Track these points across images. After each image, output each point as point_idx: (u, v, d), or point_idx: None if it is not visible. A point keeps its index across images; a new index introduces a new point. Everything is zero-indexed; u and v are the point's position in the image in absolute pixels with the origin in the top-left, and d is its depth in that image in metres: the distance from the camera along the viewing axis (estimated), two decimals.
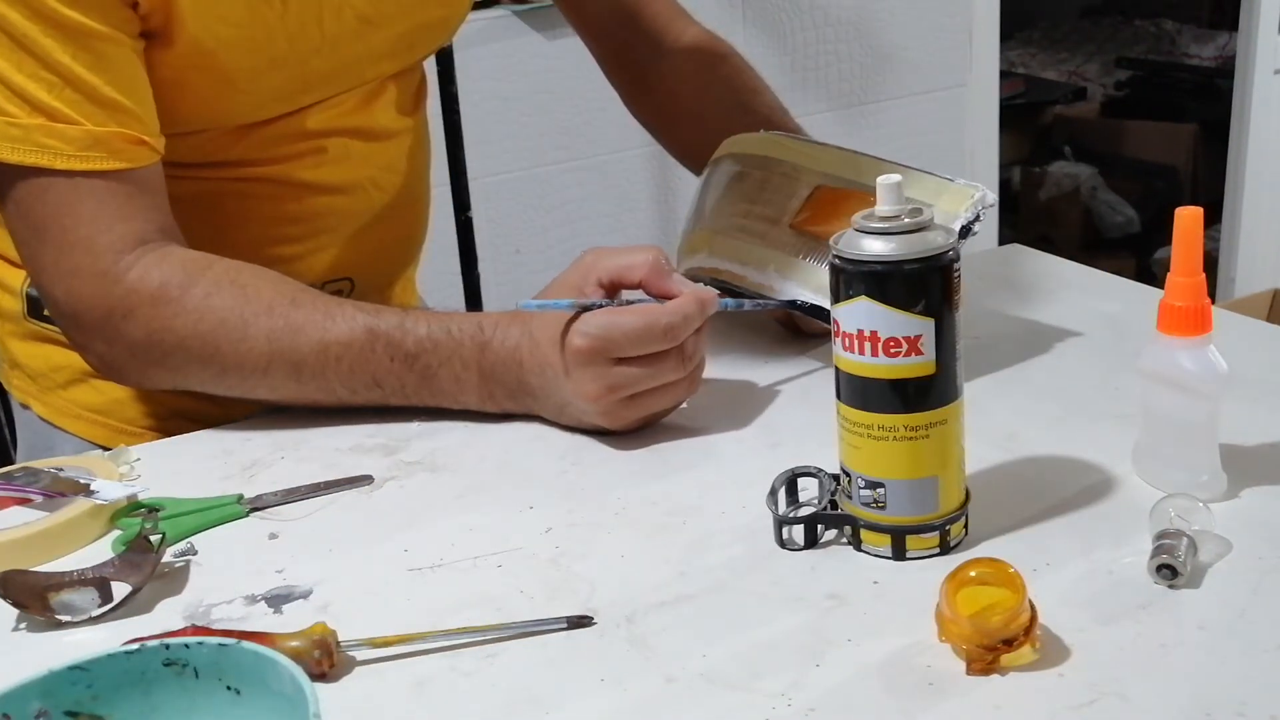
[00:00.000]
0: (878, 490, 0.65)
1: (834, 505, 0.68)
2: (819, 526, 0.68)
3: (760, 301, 0.90)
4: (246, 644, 0.49)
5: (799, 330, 0.95)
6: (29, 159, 0.80)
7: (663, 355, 0.79)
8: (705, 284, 0.99)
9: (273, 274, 0.86)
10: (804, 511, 0.69)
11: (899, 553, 0.66)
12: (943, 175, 0.89)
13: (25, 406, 1.02)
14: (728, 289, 0.97)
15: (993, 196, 0.87)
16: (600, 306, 0.79)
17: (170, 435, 0.90)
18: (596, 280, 0.80)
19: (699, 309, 0.79)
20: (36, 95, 0.79)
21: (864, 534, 0.67)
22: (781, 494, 0.70)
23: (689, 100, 1.12)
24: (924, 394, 0.64)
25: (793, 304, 0.89)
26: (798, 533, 0.68)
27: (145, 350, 0.84)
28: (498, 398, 0.84)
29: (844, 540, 0.68)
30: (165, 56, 0.84)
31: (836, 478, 0.68)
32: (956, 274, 0.63)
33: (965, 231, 0.85)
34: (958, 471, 0.67)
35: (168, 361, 0.85)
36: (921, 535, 0.66)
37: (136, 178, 0.84)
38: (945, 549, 0.66)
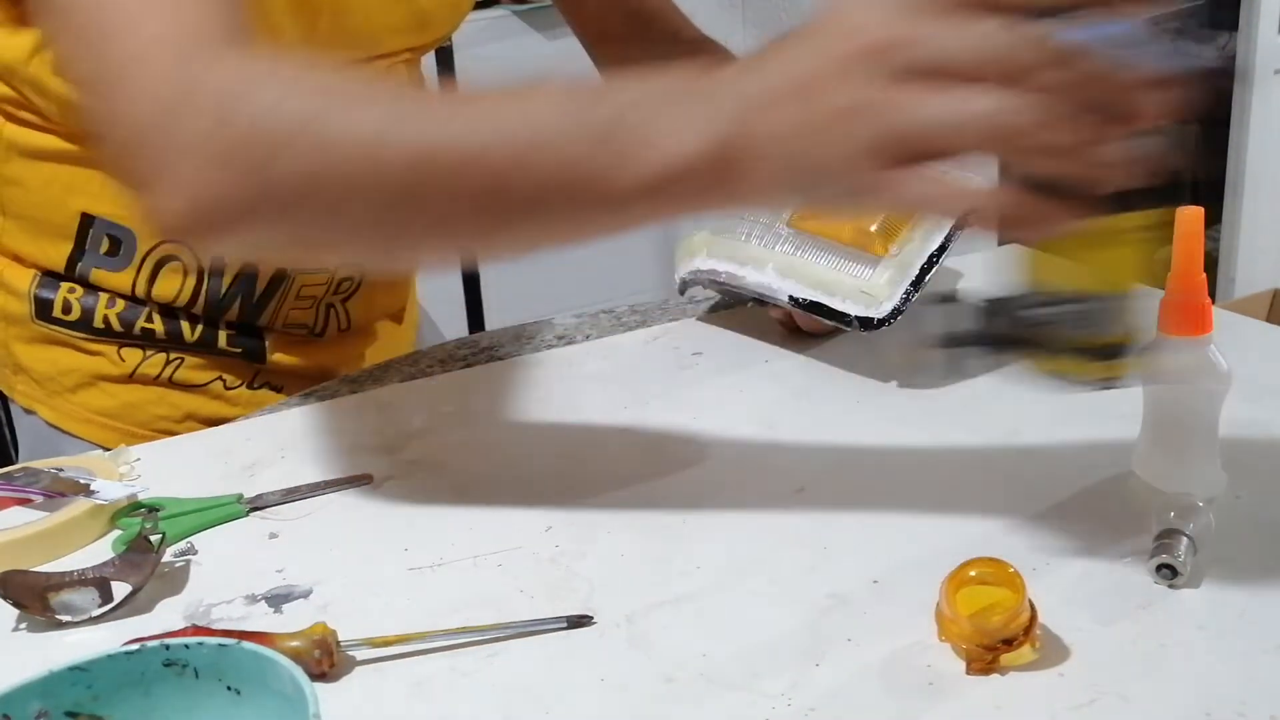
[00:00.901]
0: (1088, 305, 0.57)
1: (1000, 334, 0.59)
2: (993, 345, 0.61)
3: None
4: (246, 644, 0.49)
5: (799, 329, 0.95)
6: None
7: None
8: (708, 289, 0.99)
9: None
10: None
11: (1090, 374, 0.59)
12: (941, 169, 0.89)
13: (30, 412, 1.01)
14: (726, 290, 0.97)
15: None
16: None
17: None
18: None
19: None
20: None
21: (1049, 358, 0.59)
22: (946, 309, 0.63)
23: None
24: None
25: (795, 302, 0.89)
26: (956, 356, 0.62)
27: (211, 146, 0.61)
28: (698, 118, 0.54)
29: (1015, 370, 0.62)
30: None
31: (995, 301, 0.59)
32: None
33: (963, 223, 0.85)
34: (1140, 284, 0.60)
35: (243, 155, 0.60)
36: (1105, 360, 0.59)
37: None
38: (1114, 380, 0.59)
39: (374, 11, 0.94)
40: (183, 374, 0.98)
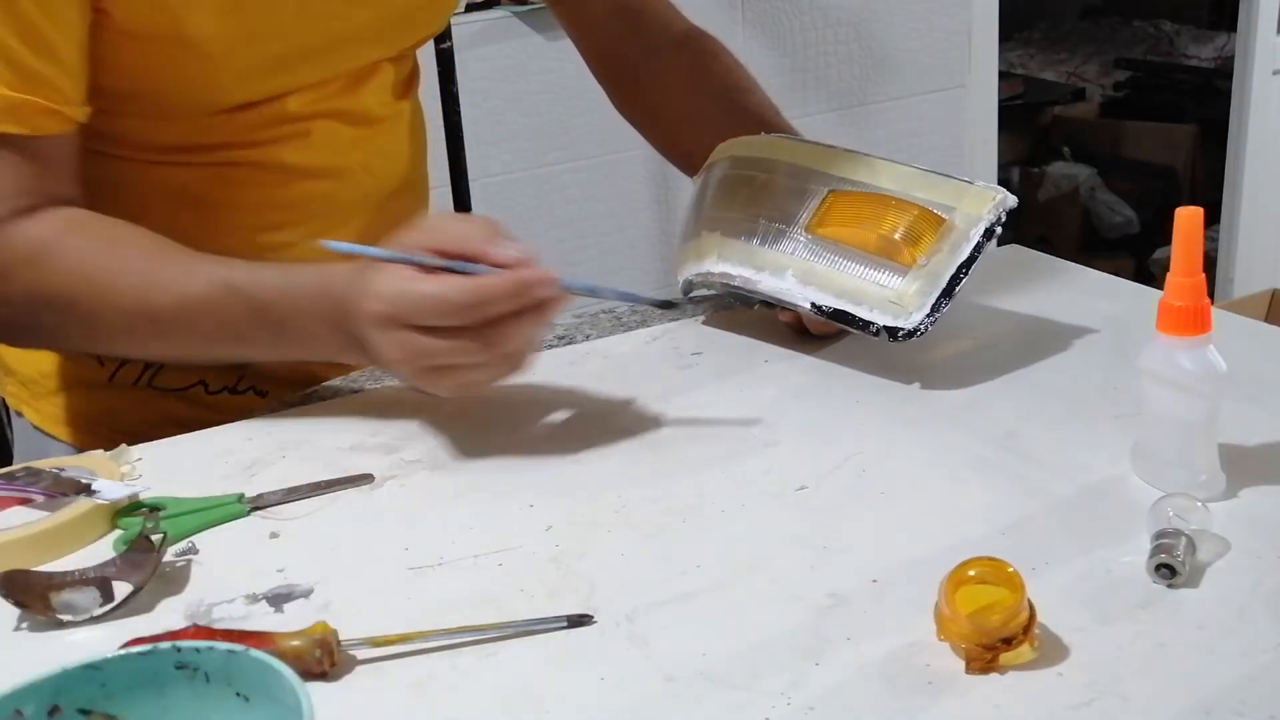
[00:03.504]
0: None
1: None
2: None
3: (626, 294, 0.85)
4: (253, 651, 0.49)
5: (805, 331, 0.95)
6: None
7: (460, 331, 0.73)
8: (715, 291, 0.99)
9: (150, 233, 0.85)
10: None
11: None
12: (961, 178, 0.88)
13: (19, 413, 1.01)
14: (739, 294, 0.96)
15: (1013, 199, 0.86)
16: (409, 262, 0.74)
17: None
18: (428, 246, 0.76)
19: (509, 291, 0.73)
20: None
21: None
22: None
23: (680, 98, 1.11)
24: None
25: (818, 310, 0.88)
26: None
27: (23, 309, 0.84)
28: (351, 350, 0.80)
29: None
30: (124, 22, 0.83)
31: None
32: None
33: (989, 234, 0.85)
34: None
35: (41, 320, 0.85)
36: None
37: (45, 151, 0.83)
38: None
39: (340, 20, 0.92)
40: (163, 379, 0.97)
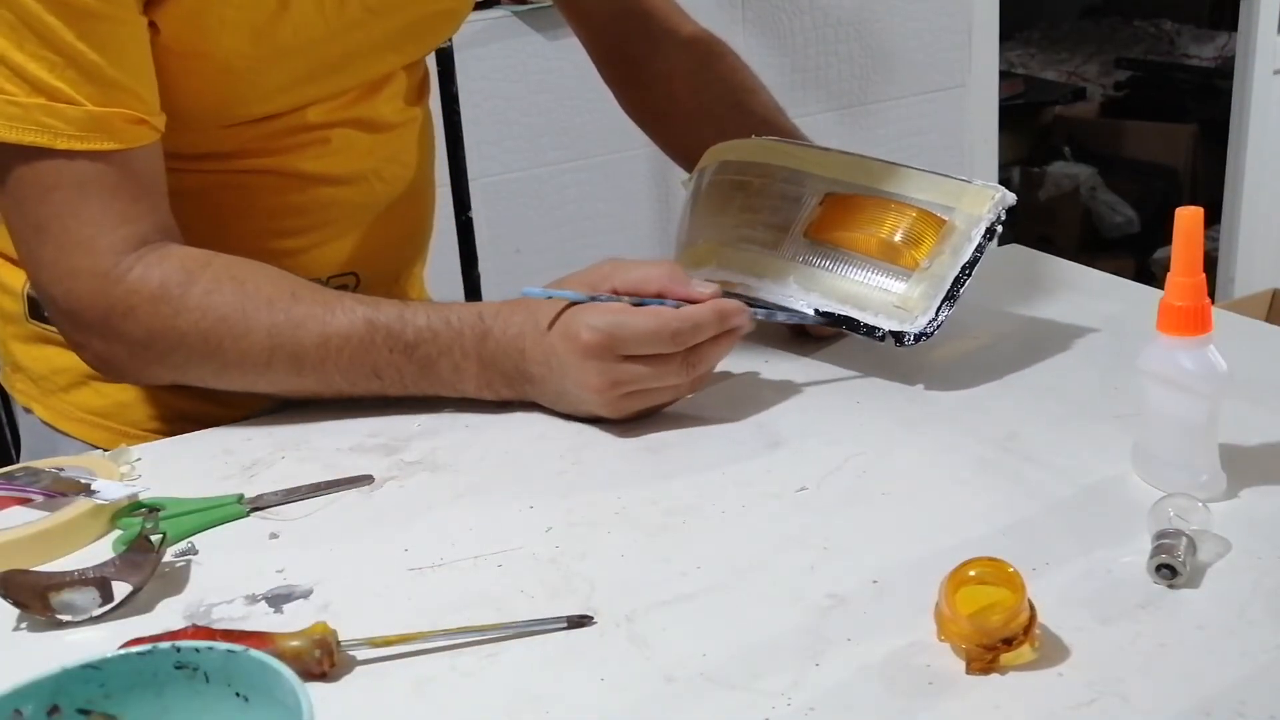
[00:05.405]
0: None
1: None
2: None
3: (792, 313, 0.89)
4: (253, 652, 0.49)
5: (804, 332, 0.94)
6: (28, 138, 0.79)
7: (668, 357, 0.81)
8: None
9: (271, 269, 0.86)
10: None
11: None
12: (958, 177, 0.88)
13: (28, 410, 1.01)
14: (740, 300, 0.96)
15: (1012, 197, 0.86)
16: (609, 301, 0.81)
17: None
18: (612, 288, 0.82)
19: (714, 318, 0.81)
20: (37, 75, 0.78)
21: None
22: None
23: (685, 98, 1.11)
24: None
25: (829, 318, 0.88)
26: None
27: (145, 348, 0.85)
28: (495, 385, 0.85)
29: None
30: (163, 38, 0.84)
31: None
32: None
33: (990, 233, 0.85)
34: None
35: (169, 359, 0.85)
36: None
37: (137, 165, 0.83)
38: None
39: (362, 32, 0.92)
40: None
